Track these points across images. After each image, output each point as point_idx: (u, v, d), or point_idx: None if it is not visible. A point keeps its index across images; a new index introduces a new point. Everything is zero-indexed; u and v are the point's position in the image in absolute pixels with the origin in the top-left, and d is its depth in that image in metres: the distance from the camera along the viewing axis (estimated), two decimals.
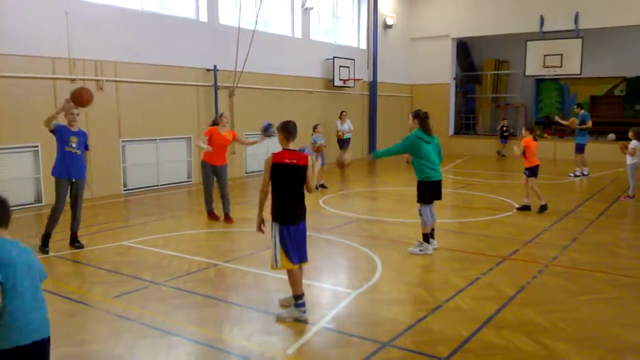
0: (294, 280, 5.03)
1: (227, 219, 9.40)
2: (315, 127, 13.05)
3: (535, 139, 10.03)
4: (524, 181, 10.17)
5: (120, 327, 4.90)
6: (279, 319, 5.02)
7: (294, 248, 4.99)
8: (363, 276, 6.33)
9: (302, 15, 17.60)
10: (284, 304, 5.31)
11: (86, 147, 7.55)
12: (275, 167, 4.91)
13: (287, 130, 5.01)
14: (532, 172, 10.02)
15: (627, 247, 7.83)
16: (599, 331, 4.80)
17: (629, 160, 11.20)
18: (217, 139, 9.18)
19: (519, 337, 4.62)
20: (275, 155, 4.94)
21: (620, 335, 4.72)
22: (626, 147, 11.28)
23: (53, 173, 7.40)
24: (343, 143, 15.55)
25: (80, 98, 7.01)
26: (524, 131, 10.23)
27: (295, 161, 4.92)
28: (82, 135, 7.45)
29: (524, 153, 9.92)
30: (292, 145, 5.06)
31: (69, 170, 7.33)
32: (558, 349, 4.42)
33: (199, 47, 14.02)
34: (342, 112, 15.97)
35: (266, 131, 8.94)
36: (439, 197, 7.39)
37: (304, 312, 5.01)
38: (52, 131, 7.20)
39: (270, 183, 4.99)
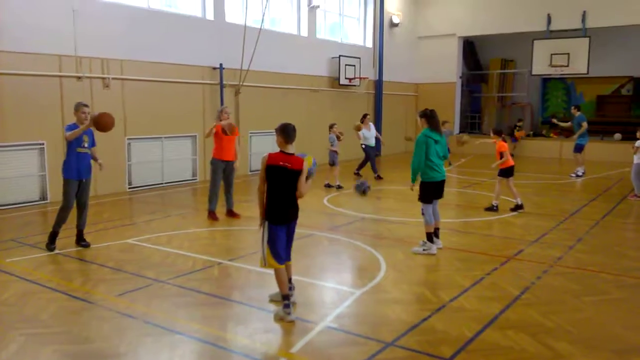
0: (280, 280, 5.08)
1: (233, 214, 9.47)
2: (331, 127, 13.02)
3: (505, 140, 9.99)
4: (506, 182, 10.04)
5: (123, 325, 4.91)
6: (275, 317, 5.05)
7: (281, 247, 5.06)
8: (367, 275, 6.32)
9: (308, 14, 17.57)
10: (273, 299, 5.42)
11: (93, 144, 7.53)
12: (269, 168, 4.97)
13: (286, 133, 5.01)
14: (504, 172, 9.96)
15: (633, 248, 7.77)
16: (604, 332, 4.78)
17: (636, 159, 11.11)
18: (224, 134, 9.21)
19: (523, 337, 4.60)
20: (270, 156, 4.99)
21: (626, 337, 4.70)
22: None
23: (64, 174, 7.32)
24: (372, 150, 14.15)
25: (104, 125, 7.05)
26: (492, 134, 10.08)
27: (288, 165, 4.93)
28: (90, 133, 7.43)
29: (502, 156, 9.87)
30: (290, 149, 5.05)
31: (80, 171, 7.30)
32: (562, 349, 4.39)
33: (205, 45, 14.03)
34: (365, 115, 14.25)
35: (362, 191, 8.61)
36: (440, 196, 7.38)
37: (289, 313, 4.98)
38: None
39: (265, 183, 5.04)
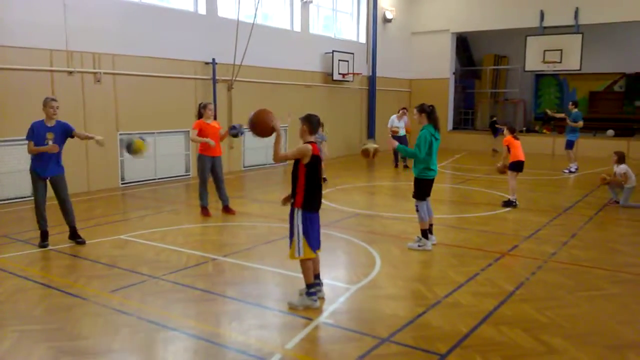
0: (309, 269, 5.17)
1: (229, 210, 9.43)
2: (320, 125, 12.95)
3: (516, 138, 10.05)
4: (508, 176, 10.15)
5: (117, 321, 4.88)
6: (290, 307, 5.13)
7: (314, 236, 5.15)
8: (362, 271, 6.31)
9: (301, 9, 17.51)
10: (293, 306, 5.24)
11: (71, 135, 7.24)
12: (314, 158, 5.06)
13: (312, 123, 5.17)
14: (514, 166, 10.02)
15: (627, 244, 7.82)
16: (598, 327, 4.79)
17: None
18: (208, 130, 9.11)
19: (518, 333, 4.60)
20: (313, 146, 5.07)
21: (620, 332, 4.71)
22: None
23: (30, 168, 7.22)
24: (400, 140, 14.77)
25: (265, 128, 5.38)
26: (505, 130, 10.27)
27: (320, 153, 5.18)
28: (59, 128, 7.18)
29: (508, 150, 9.98)
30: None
31: (42, 169, 7.10)
32: (557, 345, 4.40)
33: (198, 40, 13.94)
34: (401, 108, 16.02)
35: (234, 132, 8.95)
36: (429, 194, 7.40)
37: (316, 300, 5.13)
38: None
39: (303, 171, 5.06)
